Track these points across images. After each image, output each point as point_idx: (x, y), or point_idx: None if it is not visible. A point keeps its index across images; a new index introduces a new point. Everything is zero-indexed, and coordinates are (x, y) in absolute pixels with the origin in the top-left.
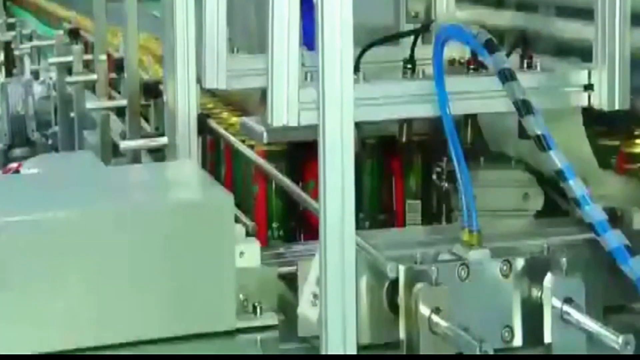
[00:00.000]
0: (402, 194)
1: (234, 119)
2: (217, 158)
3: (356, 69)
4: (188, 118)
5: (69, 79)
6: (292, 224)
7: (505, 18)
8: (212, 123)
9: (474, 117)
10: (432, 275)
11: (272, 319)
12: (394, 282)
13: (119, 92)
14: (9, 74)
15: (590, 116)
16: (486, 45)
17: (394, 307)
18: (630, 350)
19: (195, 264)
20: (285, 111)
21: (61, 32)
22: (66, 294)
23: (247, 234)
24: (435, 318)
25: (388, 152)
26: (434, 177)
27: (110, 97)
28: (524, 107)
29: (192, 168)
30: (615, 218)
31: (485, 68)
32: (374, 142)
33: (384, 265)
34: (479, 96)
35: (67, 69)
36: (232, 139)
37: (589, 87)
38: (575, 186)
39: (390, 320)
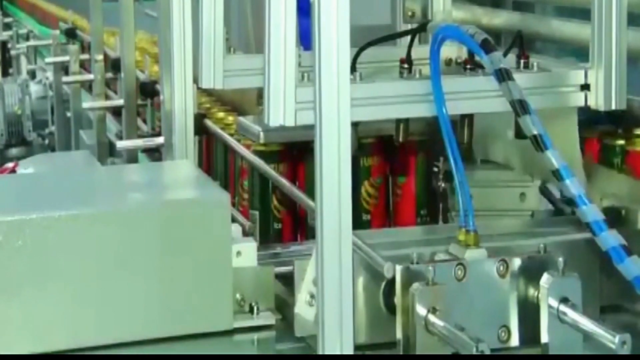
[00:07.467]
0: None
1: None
2: (214, 158)
3: (353, 68)
4: (185, 118)
5: (65, 78)
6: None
7: (501, 18)
8: (209, 123)
9: (470, 117)
10: (429, 275)
11: (269, 318)
12: (391, 282)
13: (116, 92)
14: (5, 73)
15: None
16: (483, 45)
17: (390, 307)
18: (627, 350)
19: (191, 263)
20: (282, 111)
21: (58, 31)
22: (63, 294)
23: (244, 234)
24: (431, 318)
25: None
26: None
27: (107, 97)
28: (520, 107)
29: (189, 168)
30: (620, 218)
31: (482, 68)
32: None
33: (381, 265)
34: (475, 96)
35: (64, 68)
36: (229, 138)
37: (585, 87)
38: (572, 186)
39: (387, 320)
